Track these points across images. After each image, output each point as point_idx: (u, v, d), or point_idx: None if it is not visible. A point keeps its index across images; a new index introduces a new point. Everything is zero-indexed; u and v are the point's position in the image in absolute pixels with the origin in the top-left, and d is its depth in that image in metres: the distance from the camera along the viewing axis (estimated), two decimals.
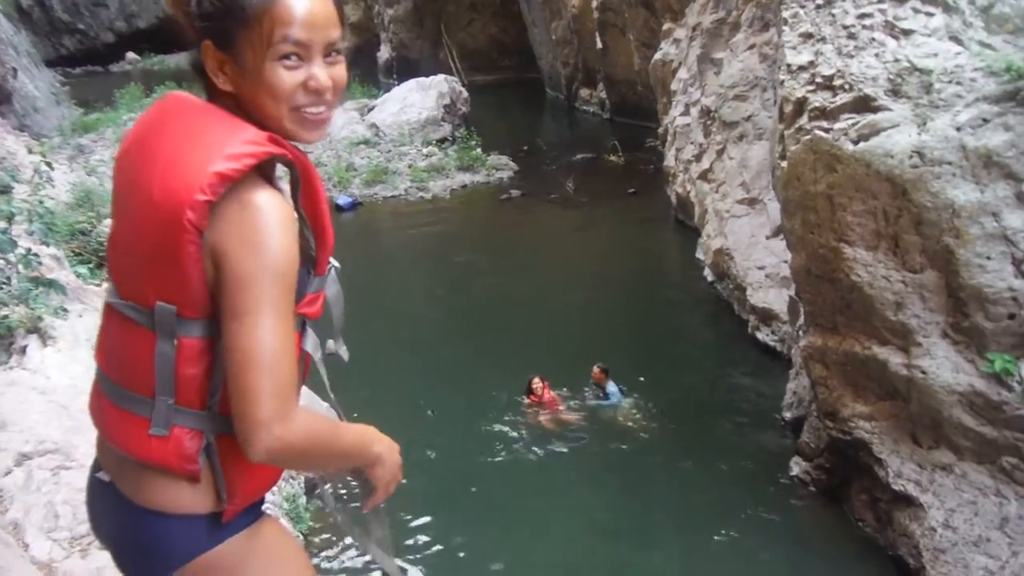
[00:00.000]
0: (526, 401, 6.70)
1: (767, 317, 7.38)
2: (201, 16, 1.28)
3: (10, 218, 4.77)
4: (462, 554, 5.06)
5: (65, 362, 4.46)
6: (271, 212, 1.26)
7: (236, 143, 1.26)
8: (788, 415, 6.07)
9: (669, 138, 10.68)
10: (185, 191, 1.23)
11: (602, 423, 6.50)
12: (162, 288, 1.30)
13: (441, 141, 15.41)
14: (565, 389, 6.87)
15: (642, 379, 7.02)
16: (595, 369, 6.82)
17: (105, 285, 1.43)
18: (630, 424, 6.47)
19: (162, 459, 1.34)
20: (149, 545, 1.40)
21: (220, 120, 1.31)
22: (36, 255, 4.94)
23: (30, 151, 8.09)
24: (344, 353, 1.62)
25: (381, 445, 1.49)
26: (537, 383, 6.71)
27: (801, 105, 4.73)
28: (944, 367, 4.35)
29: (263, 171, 1.31)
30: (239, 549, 1.43)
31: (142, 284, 1.33)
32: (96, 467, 1.52)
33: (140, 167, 1.33)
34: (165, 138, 1.32)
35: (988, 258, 4.16)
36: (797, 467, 5.50)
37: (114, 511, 1.45)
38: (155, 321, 1.31)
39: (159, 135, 1.34)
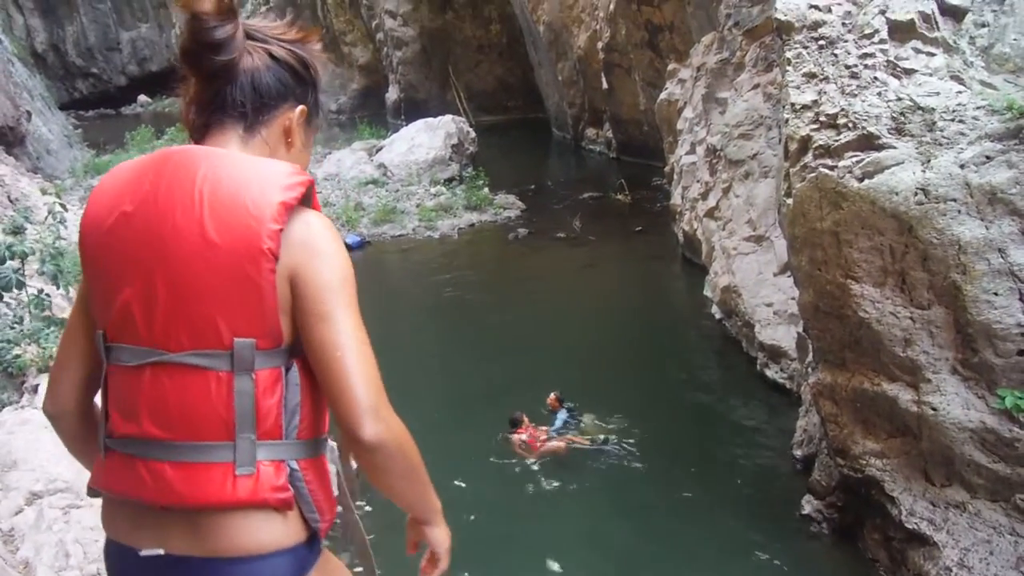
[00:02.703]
0: (513, 438, 6.64)
1: (776, 354, 7.37)
2: (302, 83, 1.50)
3: (24, 257, 4.84)
4: None
5: None
6: (328, 227, 1.43)
7: (284, 175, 1.39)
8: (799, 453, 6.03)
9: (675, 176, 10.75)
10: (256, 223, 1.33)
11: (602, 458, 6.46)
12: (239, 324, 1.35)
13: (449, 181, 15.54)
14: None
15: (650, 416, 6.99)
16: (551, 396, 7.00)
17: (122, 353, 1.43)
18: (628, 460, 6.42)
19: (254, 496, 1.36)
20: None
21: (250, 160, 1.42)
22: (48, 295, 5.01)
23: (44, 192, 8.21)
24: None
25: (440, 508, 1.56)
26: (525, 420, 6.71)
27: (806, 143, 4.78)
28: (954, 403, 4.33)
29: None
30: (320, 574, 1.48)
31: (211, 327, 1.35)
32: (123, 551, 1.46)
33: (169, 219, 1.36)
34: (197, 185, 1.36)
35: (996, 294, 4.16)
36: (809, 505, 5.45)
37: None
38: (234, 359, 1.35)
39: (185, 185, 1.37)
